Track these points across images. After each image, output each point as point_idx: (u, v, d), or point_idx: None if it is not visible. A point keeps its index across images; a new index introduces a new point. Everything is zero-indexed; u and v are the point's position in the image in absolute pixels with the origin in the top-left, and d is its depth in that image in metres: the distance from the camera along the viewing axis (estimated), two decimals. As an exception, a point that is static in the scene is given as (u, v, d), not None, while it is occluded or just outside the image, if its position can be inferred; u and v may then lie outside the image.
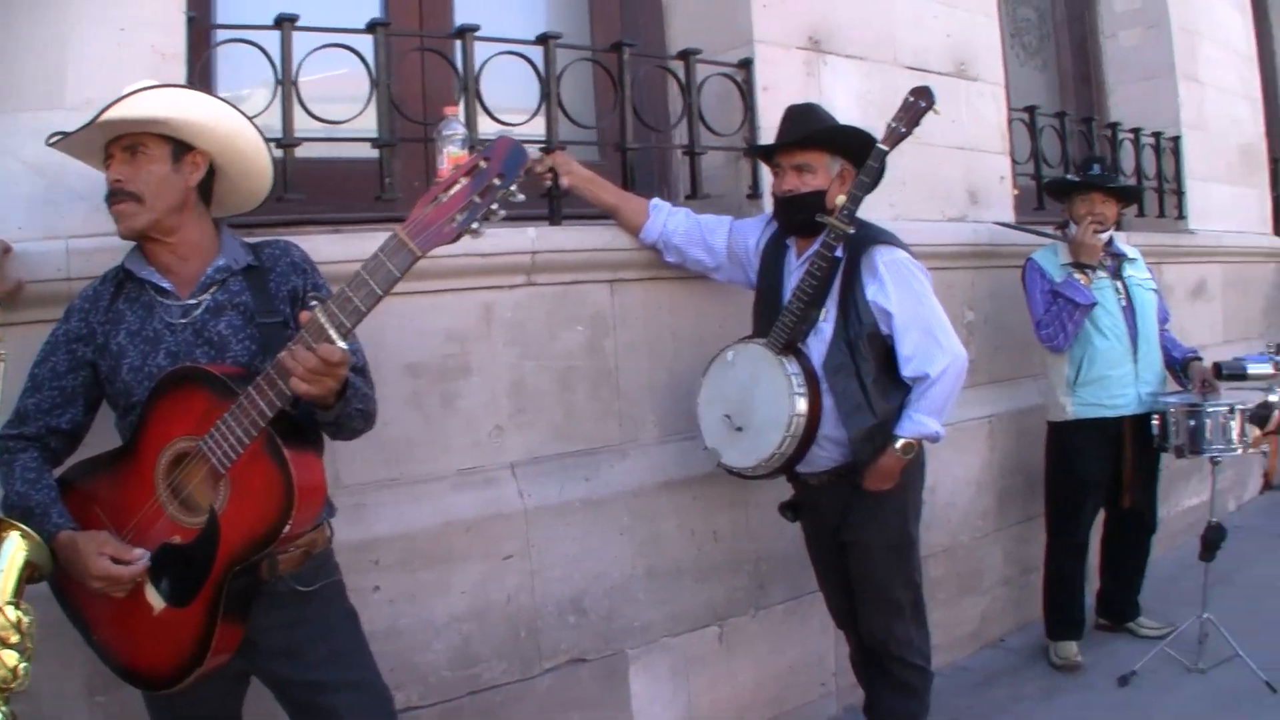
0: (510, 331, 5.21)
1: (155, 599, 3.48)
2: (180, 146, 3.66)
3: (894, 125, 5.09)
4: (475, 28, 5.29)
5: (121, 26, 4.30)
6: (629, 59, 5.84)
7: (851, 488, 5.18)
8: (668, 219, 5.54)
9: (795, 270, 5.24)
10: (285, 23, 4.79)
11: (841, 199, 5.00)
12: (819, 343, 5.09)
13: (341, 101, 4.99)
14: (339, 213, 5.16)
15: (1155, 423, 6.98)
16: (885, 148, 5.04)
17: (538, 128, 5.54)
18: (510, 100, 5.48)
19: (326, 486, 3.66)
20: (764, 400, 5.10)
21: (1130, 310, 7.10)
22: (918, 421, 5.04)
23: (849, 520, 5.25)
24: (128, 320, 3.67)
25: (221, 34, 4.91)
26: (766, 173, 5.61)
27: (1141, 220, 9.79)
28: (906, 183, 6.91)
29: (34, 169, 4.08)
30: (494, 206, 3.16)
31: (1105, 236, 7.05)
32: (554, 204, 5.51)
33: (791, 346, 5.08)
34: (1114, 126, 9.62)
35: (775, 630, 6.14)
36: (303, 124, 4.88)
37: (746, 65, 6.27)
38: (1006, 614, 7.73)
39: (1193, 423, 6.80)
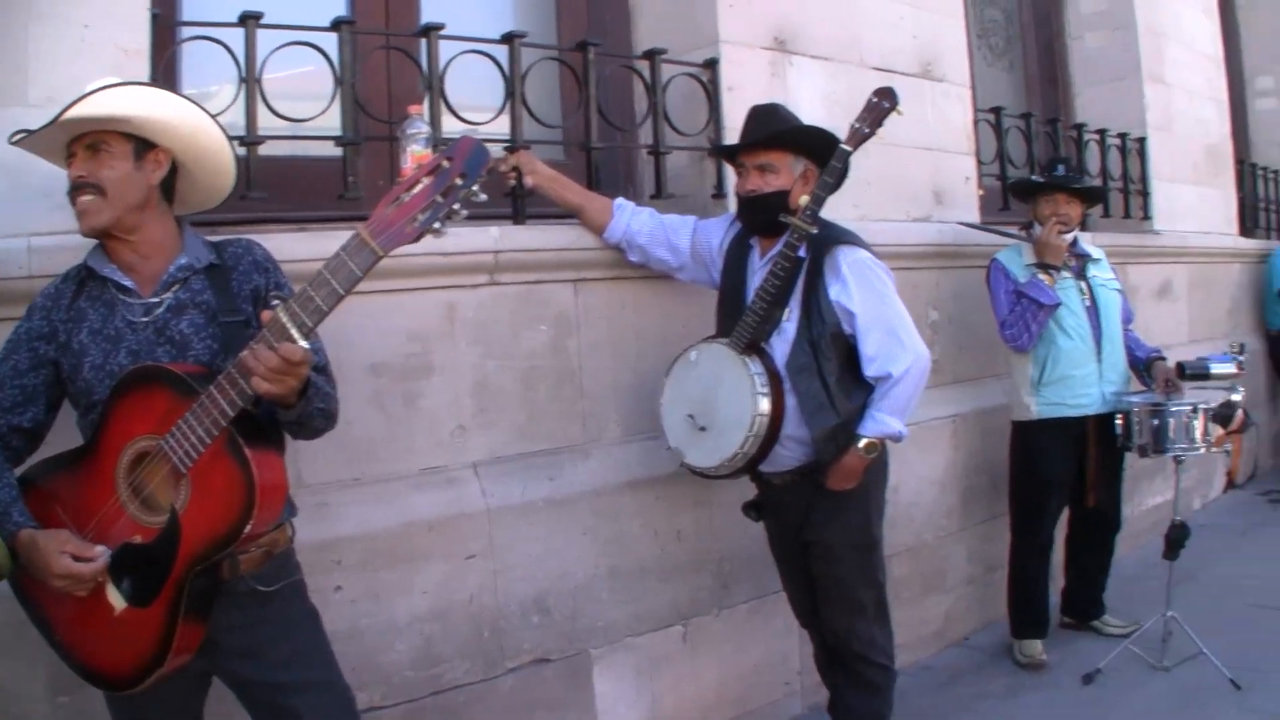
0: (473, 331, 5.20)
1: (116, 599, 3.47)
2: (142, 144, 3.64)
3: (857, 126, 5.11)
4: (440, 26, 5.29)
5: (85, 23, 4.29)
6: (594, 58, 5.84)
7: (814, 487, 5.19)
8: (632, 218, 5.54)
9: (759, 270, 5.24)
10: (249, 20, 4.77)
11: (805, 199, 5.01)
12: (782, 342, 5.10)
13: (306, 99, 4.98)
14: (303, 211, 5.16)
15: (1119, 422, 7.02)
16: (848, 148, 5.05)
17: (502, 127, 5.53)
18: (475, 99, 5.48)
19: (288, 486, 3.65)
20: (727, 400, 5.10)
21: (1094, 310, 7.14)
22: (880, 421, 5.05)
23: (812, 520, 5.25)
24: (90, 318, 3.65)
25: (186, 31, 4.89)
26: (731, 173, 5.59)
27: (1107, 221, 9.85)
28: (872, 183, 6.91)
29: (-5, 165, 4.05)
30: (456, 206, 3.17)
31: (1070, 237, 7.09)
32: (518, 203, 5.51)
33: (755, 346, 5.08)
34: (1080, 127, 9.67)
35: (739, 630, 6.15)
36: (267, 122, 4.87)
37: (712, 65, 6.27)
38: (971, 613, 7.75)
39: (1156, 422, 6.84)
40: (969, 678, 7.06)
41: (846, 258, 5.07)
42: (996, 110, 8.62)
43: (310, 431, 3.73)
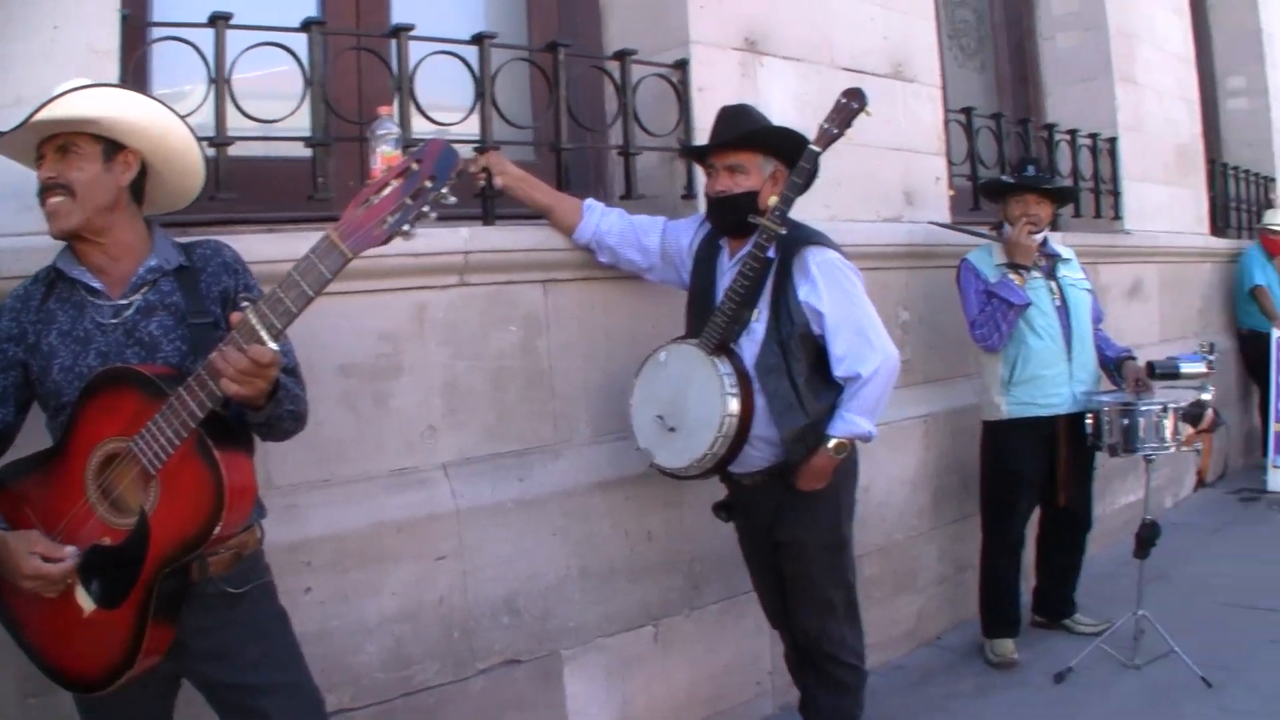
0: (443, 331, 5.19)
1: (85, 601, 3.47)
2: (112, 146, 3.63)
3: (826, 126, 5.12)
4: (410, 27, 5.29)
5: (55, 24, 4.27)
6: (564, 59, 5.85)
7: (784, 487, 5.20)
8: (601, 219, 5.54)
9: (728, 271, 5.25)
10: (219, 20, 4.77)
11: (774, 200, 5.03)
12: (751, 343, 5.10)
13: (276, 100, 4.98)
14: (273, 212, 5.14)
15: (1089, 422, 7.04)
16: (817, 149, 5.06)
17: (472, 127, 5.53)
18: (446, 100, 5.49)
19: (257, 488, 3.66)
20: (696, 401, 5.10)
21: (1064, 310, 7.16)
22: (850, 421, 5.06)
23: (782, 520, 5.27)
24: (59, 320, 3.64)
25: (156, 31, 4.87)
26: (701, 173, 5.59)
27: (1078, 221, 9.90)
28: (842, 183, 6.91)
29: (-37, 167, 4.05)
30: (426, 209, 3.17)
31: (1040, 237, 7.10)
32: (488, 204, 5.50)
33: (724, 347, 5.09)
34: (1051, 128, 9.71)
35: (710, 630, 6.15)
36: (237, 123, 4.86)
37: (682, 66, 6.28)
38: (942, 612, 7.77)
39: (1126, 421, 6.86)
40: (940, 677, 7.07)
41: (815, 258, 5.08)
42: (967, 110, 8.65)
43: (280, 433, 3.74)
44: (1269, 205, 14.01)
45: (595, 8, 6.72)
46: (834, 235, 5.32)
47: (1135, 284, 10.67)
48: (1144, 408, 6.83)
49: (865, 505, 6.18)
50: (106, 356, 3.58)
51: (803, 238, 5.14)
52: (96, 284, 3.65)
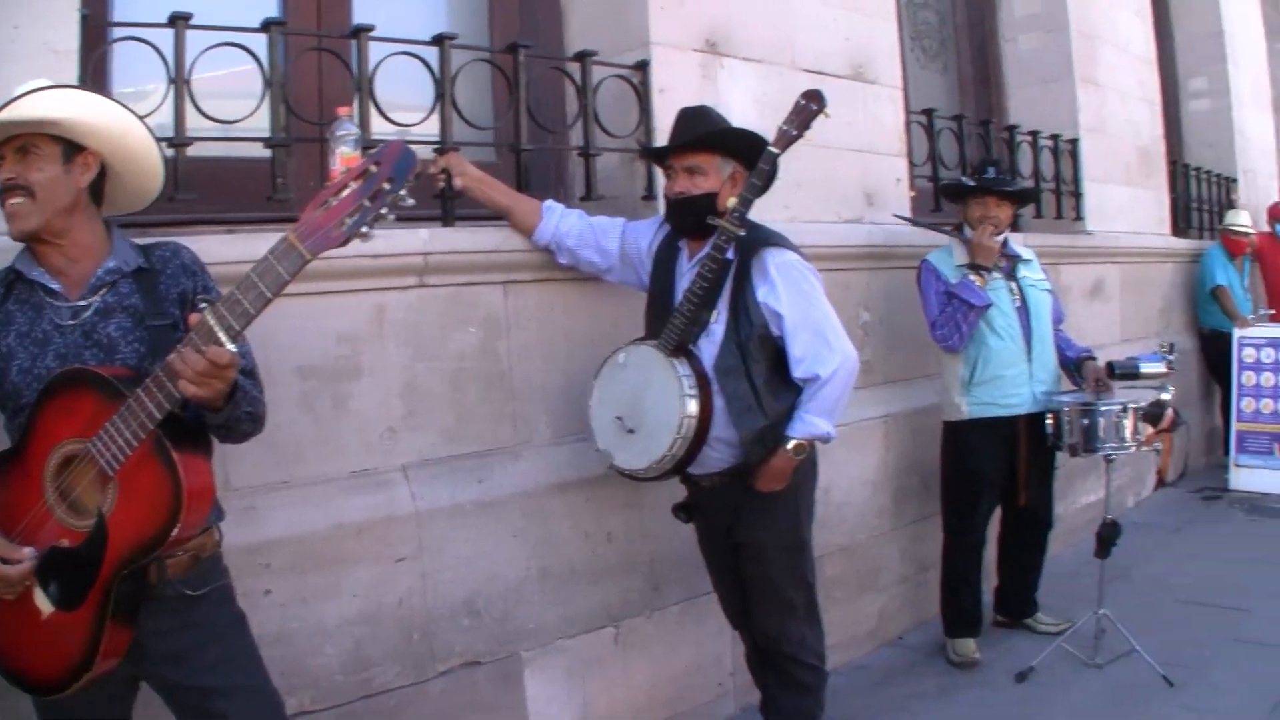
0: (403, 333, 5.18)
1: (43, 603, 3.46)
2: (71, 147, 3.63)
3: (785, 128, 5.13)
4: (370, 28, 5.28)
5: (15, 24, 4.26)
6: (525, 60, 5.85)
7: (743, 489, 5.21)
8: (560, 221, 5.54)
9: (687, 272, 5.26)
10: (179, 20, 4.76)
11: (733, 201, 5.04)
12: (710, 344, 5.11)
13: (236, 100, 4.97)
14: (232, 212, 5.13)
15: (1049, 422, 7.06)
16: (776, 150, 5.07)
17: (432, 128, 5.53)
18: (406, 100, 5.49)
19: (215, 489, 3.66)
20: (655, 402, 5.11)
21: (1025, 311, 7.19)
22: (809, 422, 5.08)
23: (741, 521, 5.28)
24: (17, 322, 3.64)
25: (116, 31, 4.86)
26: (662, 175, 5.60)
27: (1040, 221, 9.92)
28: (802, 184, 6.93)
29: (-79, 168, 4.03)
30: (384, 211, 3.17)
31: (1001, 238, 7.11)
32: (447, 205, 5.50)
33: (682, 348, 5.10)
34: (1012, 129, 9.75)
35: (671, 631, 6.16)
36: (196, 123, 4.85)
37: (643, 67, 6.28)
38: (904, 612, 7.79)
39: (1086, 421, 6.89)
40: (902, 677, 7.09)
41: (774, 259, 5.10)
42: (929, 112, 8.66)
43: (238, 435, 3.75)
44: (1230, 206, 14.12)
45: (556, 9, 6.71)
46: (794, 236, 5.33)
47: (1097, 284, 10.71)
48: (1104, 408, 6.85)
49: (826, 506, 6.21)
50: (65, 358, 3.57)
51: (761, 239, 5.15)
52: (55, 285, 3.65)
